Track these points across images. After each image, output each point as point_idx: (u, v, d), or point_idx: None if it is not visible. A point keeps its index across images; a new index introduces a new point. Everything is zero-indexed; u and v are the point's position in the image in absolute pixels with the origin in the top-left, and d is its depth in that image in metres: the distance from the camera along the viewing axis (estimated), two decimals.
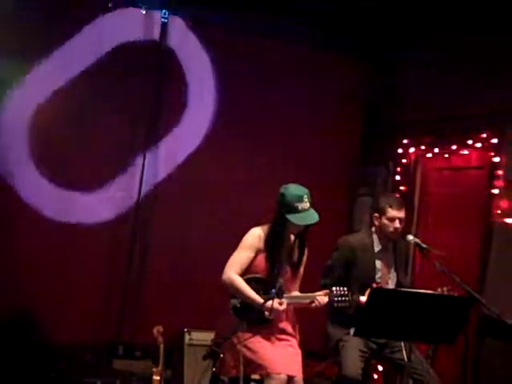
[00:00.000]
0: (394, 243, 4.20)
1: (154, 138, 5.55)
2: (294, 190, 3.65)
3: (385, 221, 4.09)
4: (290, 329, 3.76)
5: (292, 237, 3.80)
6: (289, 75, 5.82)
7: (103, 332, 5.33)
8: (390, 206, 4.09)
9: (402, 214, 4.10)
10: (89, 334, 5.25)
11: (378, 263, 4.15)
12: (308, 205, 3.63)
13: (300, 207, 3.61)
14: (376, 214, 4.16)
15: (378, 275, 4.12)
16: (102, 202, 5.38)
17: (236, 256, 3.73)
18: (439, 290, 3.88)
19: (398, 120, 6.06)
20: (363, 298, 3.92)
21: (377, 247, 4.17)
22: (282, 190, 3.67)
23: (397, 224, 4.08)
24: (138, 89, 5.40)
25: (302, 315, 3.90)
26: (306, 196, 3.64)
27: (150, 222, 5.53)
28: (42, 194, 5.17)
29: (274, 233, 3.71)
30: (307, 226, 3.71)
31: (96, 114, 5.28)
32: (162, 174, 5.58)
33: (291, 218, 3.62)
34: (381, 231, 4.14)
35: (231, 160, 5.68)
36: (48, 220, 5.16)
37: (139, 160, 5.49)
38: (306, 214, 3.63)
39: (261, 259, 3.73)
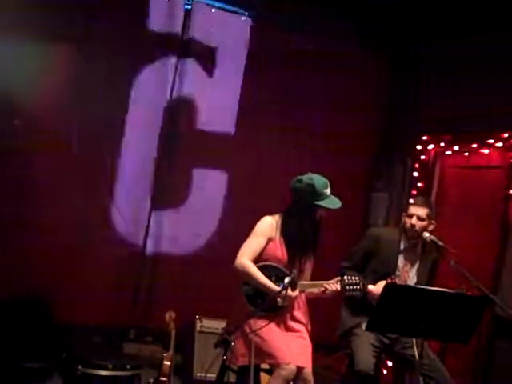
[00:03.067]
0: (423, 247, 4.18)
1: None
2: (319, 178, 3.75)
3: (406, 218, 4.13)
4: (301, 317, 3.79)
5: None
6: (313, 66, 5.81)
7: (115, 315, 5.36)
8: (412, 204, 4.18)
9: (420, 211, 4.09)
10: (101, 316, 5.28)
11: (401, 260, 4.14)
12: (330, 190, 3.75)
13: (328, 193, 3.73)
14: (403, 213, 4.21)
15: (398, 272, 4.11)
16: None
17: (248, 243, 3.77)
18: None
19: (418, 116, 6.02)
20: (371, 287, 3.94)
21: (403, 245, 4.16)
22: (305, 179, 3.72)
23: (413, 220, 4.07)
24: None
25: (315, 308, 3.90)
26: (328, 183, 3.75)
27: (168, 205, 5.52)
28: None
29: (296, 221, 3.74)
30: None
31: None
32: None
33: (324, 203, 3.71)
34: (404, 229, 4.15)
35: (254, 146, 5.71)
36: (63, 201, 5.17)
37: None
38: (334, 199, 3.75)
39: (272, 247, 3.76)
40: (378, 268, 4.07)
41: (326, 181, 3.76)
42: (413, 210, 4.11)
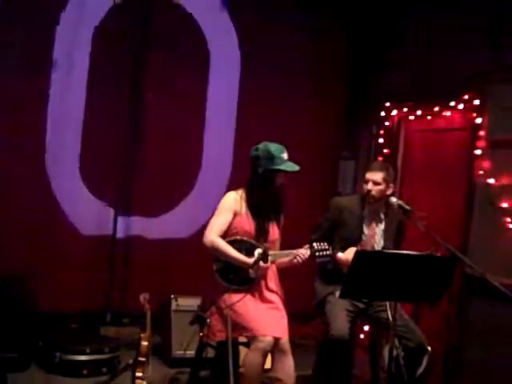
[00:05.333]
0: (386, 211, 4.23)
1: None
2: (274, 144, 3.78)
3: (364, 184, 4.18)
4: (274, 287, 3.83)
5: None
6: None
7: (90, 300, 5.33)
8: (368, 169, 4.21)
9: (375, 176, 4.13)
10: (76, 302, 5.25)
11: (365, 227, 4.20)
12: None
13: (285, 157, 3.76)
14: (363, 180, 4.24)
15: (364, 238, 4.17)
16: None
17: (215, 219, 3.78)
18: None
19: (380, 83, 6.05)
20: (340, 255, 4.01)
21: (365, 211, 4.21)
22: (261, 147, 3.77)
23: (369, 186, 4.13)
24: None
25: (288, 276, 3.94)
26: (284, 148, 3.79)
27: (134, 187, 5.50)
28: None
29: (259, 190, 3.78)
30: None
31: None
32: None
33: (283, 167, 3.73)
34: (364, 195, 4.19)
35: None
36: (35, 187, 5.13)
37: None
38: (291, 164, 3.77)
39: (239, 221, 3.78)
40: (344, 236, 4.12)
41: (282, 146, 3.78)
42: (368, 175, 4.16)
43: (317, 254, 3.76)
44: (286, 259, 3.81)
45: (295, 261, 3.76)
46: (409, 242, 4.28)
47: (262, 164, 3.74)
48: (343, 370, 3.98)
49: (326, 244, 3.79)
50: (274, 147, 3.75)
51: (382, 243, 4.21)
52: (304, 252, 3.75)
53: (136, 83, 5.43)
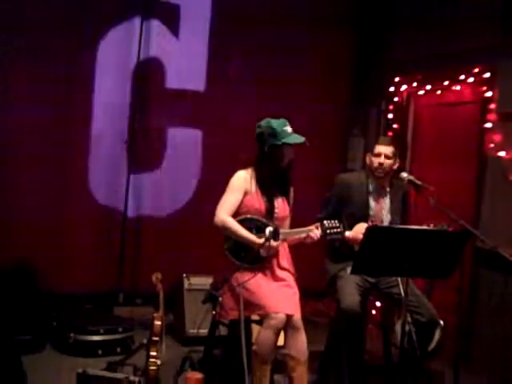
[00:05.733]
0: (390, 185, 4.22)
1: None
2: (274, 120, 3.74)
3: (372, 158, 4.16)
4: (286, 265, 3.82)
5: None
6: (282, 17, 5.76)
7: (103, 281, 5.38)
8: (378, 143, 4.19)
9: (387, 149, 4.13)
10: (89, 283, 5.30)
11: (372, 202, 4.19)
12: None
13: (289, 130, 3.72)
14: (368, 154, 4.23)
15: (372, 213, 4.17)
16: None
17: (225, 198, 3.76)
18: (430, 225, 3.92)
19: (388, 58, 6.00)
20: (348, 233, 3.99)
21: (371, 187, 4.20)
22: (263, 124, 3.74)
23: (381, 159, 4.12)
24: None
25: (299, 254, 3.94)
26: (287, 121, 3.75)
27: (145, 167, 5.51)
28: None
29: (267, 167, 3.75)
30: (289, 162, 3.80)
31: None
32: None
33: (287, 140, 3.69)
34: (371, 170, 4.18)
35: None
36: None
37: None
38: (296, 136, 3.73)
39: (249, 199, 3.76)
40: (352, 213, 4.10)
41: (284, 120, 3.74)
42: (380, 149, 4.14)
43: (328, 231, 3.73)
44: (297, 237, 3.81)
45: (308, 240, 3.75)
46: (420, 217, 4.26)
47: (266, 141, 3.71)
48: (355, 344, 4.00)
49: (336, 222, 3.75)
50: (276, 122, 3.71)
51: (389, 217, 4.21)
52: (316, 232, 3.72)
53: None
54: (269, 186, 3.78)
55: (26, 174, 5.06)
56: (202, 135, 5.72)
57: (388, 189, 4.24)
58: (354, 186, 4.19)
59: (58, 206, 5.23)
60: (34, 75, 5.01)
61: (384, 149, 4.14)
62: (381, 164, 4.12)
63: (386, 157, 4.13)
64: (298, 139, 3.71)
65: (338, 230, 3.74)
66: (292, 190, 3.94)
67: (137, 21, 5.38)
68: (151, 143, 5.55)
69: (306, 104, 5.87)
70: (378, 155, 4.14)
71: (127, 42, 5.38)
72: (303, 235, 3.76)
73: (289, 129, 3.73)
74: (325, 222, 3.75)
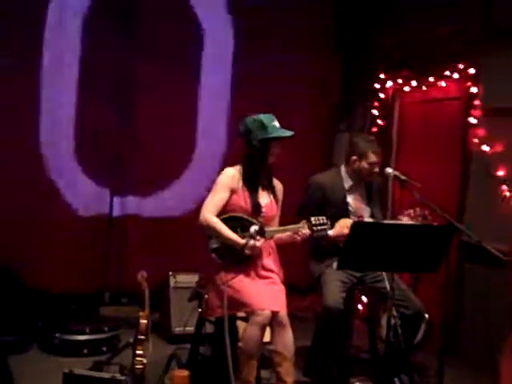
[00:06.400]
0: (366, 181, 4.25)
1: None
2: (261, 115, 3.71)
3: (365, 165, 4.15)
4: (271, 265, 3.79)
5: None
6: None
7: (89, 281, 5.35)
8: (373, 152, 4.15)
9: (379, 157, 4.18)
10: (75, 283, 5.27)
11: (350, 199, 4.21)
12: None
13: (277, 125, 3.70)
14: (355, 157, 4.18)
15: (351, 211, 4.18)
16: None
17: (211, 197, 3.73)
18: (409, 211, 3.95)
19: (374, 55, 6.01)
20: (331, 232, 3.96)
21: (347, 184, 4.22)
22: (250, 120, 3.71)
23: (376, 169, 4.17)
24: None
25: (284, 251, 3.92)
26: (274, 116, 3.73)
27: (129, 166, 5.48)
28: None
29: (257, 163, 3.73)
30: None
31: None
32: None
33: (278, 133, 3.67)
34: (356, 172, 4.19)
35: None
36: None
37: None
38: (284, 130, 3.71)
39: (235, 198, 3.73)
40: (332, 212, 4.04)
41: (271, 115, 3.72)
42: (376, 158, 4.14)
43: (314, 228, 3.68)
44: (284, 235, 3.76)
45: (295, 238, 3.71)
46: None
47: (255, 135, 3.67)
48: (339, 340, 4.01)
49: (323, 218, 3.70)
50: (264, 117, 3.69)
51: (368, 210, 4.23)
52: (304, 231, 3.69)
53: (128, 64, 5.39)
54: (256, 183, 3.75)
55: (8, 173, 5.02)
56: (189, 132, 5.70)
57: (363, 184, 4.26)
58: (329, 187, 4.19)
59: (43, 206, 5.20)
60: None
61: (378, 157, 4.16)
62: (375, 173, 4.17)
63: (378, 164, 4.17)
64: (287, 133, 3.70)
65: (325, 226, 3.69)
66: (281, 187, 3.91)
67: None
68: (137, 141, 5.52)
69: (292, 99, 5.86)
70: (374, 164, 4.14)
71: None
72: (289, 233, 3.73)
73: (277, 123, 3.71)
74: (312, 218, 3.70)
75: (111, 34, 5.29)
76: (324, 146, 6.21)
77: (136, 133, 5.48)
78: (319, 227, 3.68)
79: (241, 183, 3.75)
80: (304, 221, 3.71)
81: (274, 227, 3.81)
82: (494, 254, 3.57)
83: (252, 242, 3.55)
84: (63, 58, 5.21)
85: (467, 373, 4.17)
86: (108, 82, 5.32)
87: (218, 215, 3.72)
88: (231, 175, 3.75)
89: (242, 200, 3.74)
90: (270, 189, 3.85)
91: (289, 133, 3.70)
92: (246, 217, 3.72)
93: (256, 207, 3.74)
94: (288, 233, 3.74)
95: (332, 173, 4.31)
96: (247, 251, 3.60)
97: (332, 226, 3.82)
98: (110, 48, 5.29)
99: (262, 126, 3.67)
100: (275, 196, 3.87)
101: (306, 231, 3.69)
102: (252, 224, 3.67)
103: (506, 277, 4.32)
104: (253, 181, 3.75)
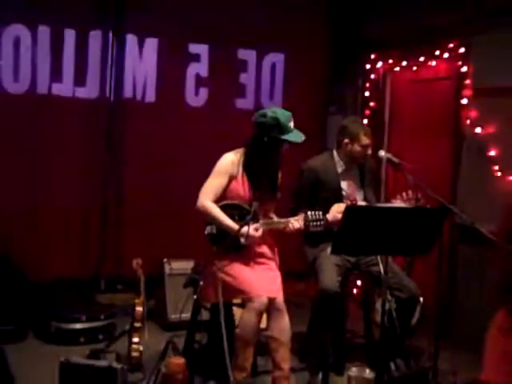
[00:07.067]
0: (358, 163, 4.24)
1: None
2: (282, 111, 3.65)
3: (358, 148, 4.13)
4: (268, 252, 3.79)
5: None
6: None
7: (84, 268, 5.36)
8: (365, 134, 4.14)
9: (371, 139, 4.17)
10: (70, 271, 5.28)
11: (343, 183, 4.21)
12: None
13: (292, 126, 3.64)
14: (347, 140, 4.17)
15: (344, 195, 4.18)
16: None
17: (209, 183, 3.70)
18: (402, 195, 3.95)
19: (364, 35, 5.98)
20: (328, 216, 3.93)
21: (340, 168, 4.22)
22: (270, 114, 3.61)
23: (369, 151, 4.15)
24: None
25: (279, 236, 3.92)
26: (291, 116, 3.66)
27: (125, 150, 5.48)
28: None
29: (261, 157, 3.69)
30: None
31: None
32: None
33: (289, 137, 3.62)
34: (349, 156, 4.17)
35: None
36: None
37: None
38: (298, 133, 3.66)
39: (234, 185, 3.71)
40: (325, 197, 4.07)
41: (290, 114, 3.65)
42: (368, 141, 4.13)
43: (310, 223, 3.68)
44: (279, 227, 3.76)
45: (287, 229, 3.71)
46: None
47: (269, 131, 3.60)
48: (335, 323, 4.03)
49: (320, 213, 3.70)
50: (283, 116, 3.60)
51: (362, 193, 4.24)
52: (298, 222, 3.69)
53: None
54: (258, 175, 3.70)
55: (4, 162, 5.01)
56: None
57: (355, 166, 4.26)
58: (322, 171, 4.18)
59: (37, 193, 5.18)
60: None
61: (370, 139, 4.15)
62: (368, 155, 4.16)
63: (371, 146, 4.16)
64: (299, 138, 3.64)
65: (321, 222, 3.70)
66: (280, 175, 3.86)
67: None
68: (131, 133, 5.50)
69: (283, 83, 5.83)
70: (366, 147, 4.13)
71: None
72: (283, 226, 3.73)
73: (292, 124, 3.64)
74: (309, 213, 3.70)
75: None
76: (317, 130, 6.18)
77: None
78: (315, 223, 3.69)
79: (241, 170, 3.71)
80: (301, 215, 3.72)
81: (268, 219, 3.78)
82: (487, 236, 3.58)
83: (246, 228, 3.54)
84: None
85: (462, 356, 4.20)
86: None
87: (218, 201, 3.70)
88: (230, 161, 3.71)
89: (241, 188, 3.70)
90: (273, 183, 3.78)
91: (301, 138, 3.64)
92: (243, 205, 3.70)
93: (254, 198, 3.67)
94: (281, 226, 3.74)
95: (324, 157, 4.30)
96: (243, 240, 3.59)
97: (326, 212, 3.83)
98: None
99: (279, 125, 3.59)
100: (275, 191, 3.83)
101: (298, 225, 3.69)
102: (249, 213, 3.64)
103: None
104: (254, 171, 3.70)
